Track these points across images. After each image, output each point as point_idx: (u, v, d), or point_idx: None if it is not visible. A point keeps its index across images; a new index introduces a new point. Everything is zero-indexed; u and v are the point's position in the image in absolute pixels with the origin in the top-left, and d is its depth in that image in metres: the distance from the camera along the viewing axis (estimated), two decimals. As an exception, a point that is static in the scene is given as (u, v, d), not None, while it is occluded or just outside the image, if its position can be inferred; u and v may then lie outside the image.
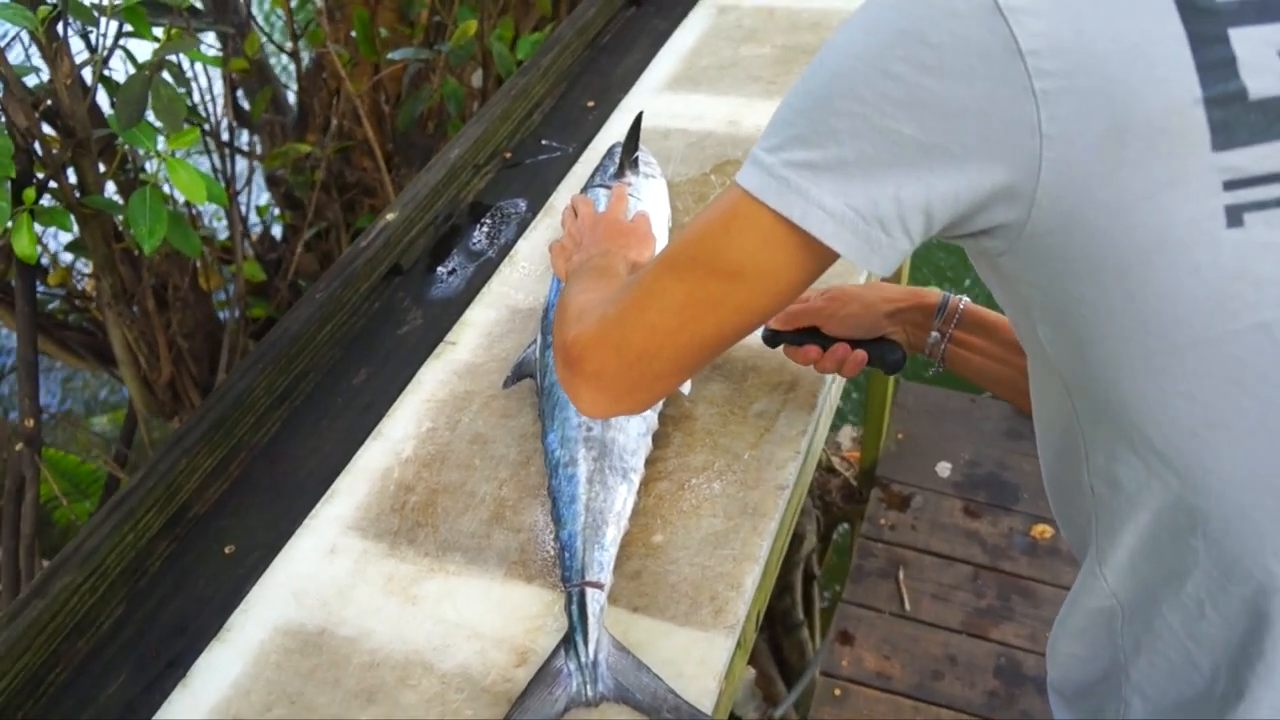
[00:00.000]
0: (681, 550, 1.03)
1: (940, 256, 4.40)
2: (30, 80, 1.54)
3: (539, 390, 1.16)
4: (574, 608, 0.95)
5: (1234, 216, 0.63)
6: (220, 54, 2.49)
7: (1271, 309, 0.64)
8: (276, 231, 3.17)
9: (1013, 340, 0.99)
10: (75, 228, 1.57)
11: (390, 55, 2.32)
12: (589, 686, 0.91)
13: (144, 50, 1.53)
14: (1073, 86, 0.63)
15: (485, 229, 1.50)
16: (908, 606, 2.45)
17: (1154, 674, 0.76)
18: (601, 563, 0.99)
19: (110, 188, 1.80)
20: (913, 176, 0.67)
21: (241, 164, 2.67)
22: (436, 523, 1.08)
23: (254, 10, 2.61)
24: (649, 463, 1.10)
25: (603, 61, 1.86)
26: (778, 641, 2.90)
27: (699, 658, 0.94)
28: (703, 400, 1.17)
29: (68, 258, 2.31)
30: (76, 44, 2.00)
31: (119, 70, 1.74)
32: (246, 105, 2.84)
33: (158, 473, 1.13)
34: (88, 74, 1.57)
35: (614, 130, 1.64)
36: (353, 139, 2.65)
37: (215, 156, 2.37)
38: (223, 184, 2.29)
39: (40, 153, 1.47)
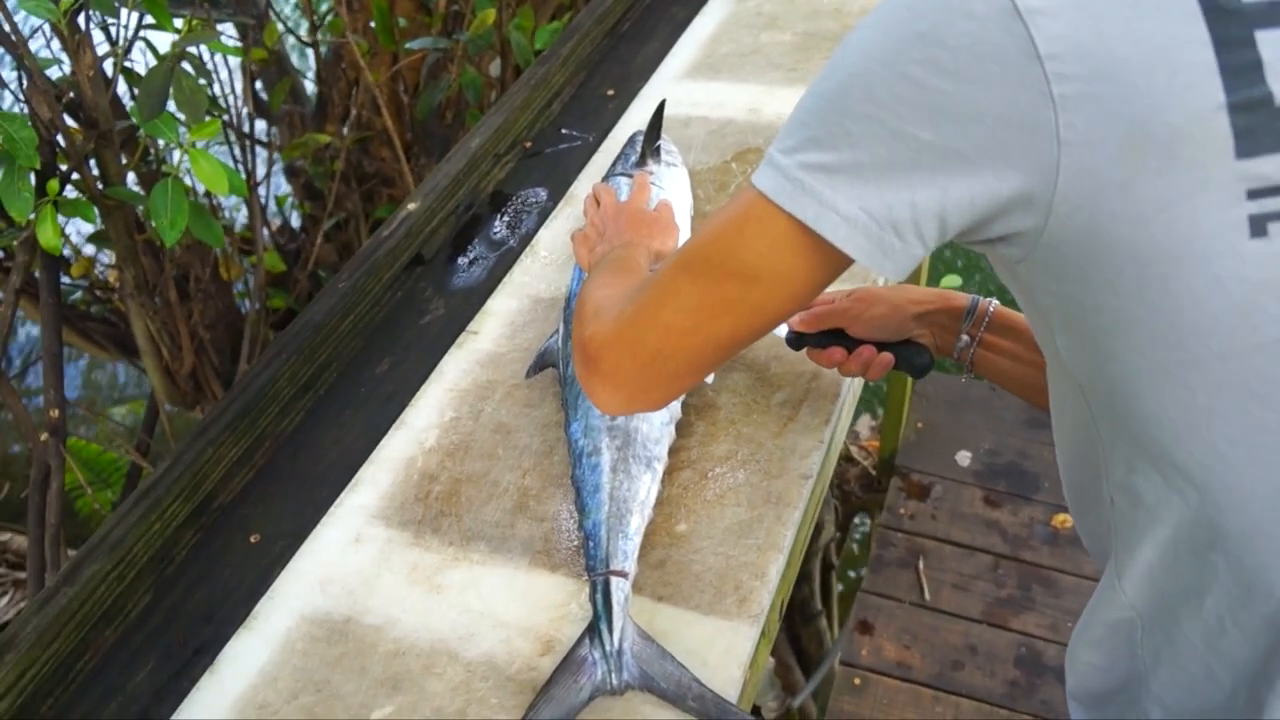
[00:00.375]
0: (705, 539, 1.02)
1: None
2: (53, 73, 1.54)
3: (561, 380, 1.16)
4: (598, 596, 0.95)
5: (1258, 226, 0.61)
6: (239, 45, 2.50)
7: None
8: (295, 222, 3.18)
9: None
10: (98, 219, 1.58)
11: (409, 45, 2.32)
12: (614, 675, 0.91)
13: (164, 42, 1.53)
14: (1092, 91, 0.61)
15: (506, 218, 1.50)
16: (928, 596, 2.44)
17: (1174, 686, 0.75)
18: (626, 551, 0.99)
19: (131, 179, 1.81)
20: (928, 181, 0.66)
21: (261, 155, 2.68)
22: (460, 512, 1.09)
23: (273, 1, 2.61)
24: (672, 452, 1.10)
25: (622, 50, 1.86)
26: (795, 631, 2.90)
27: (724, 647, 0.94)
28: (726, 389, 1.17)
29: (90, 250, 2.32)
30: (97, 36, 2.00)
31: (139, 62, 1.74)
32: (265, 97, 2.85)
33: (183, 462, 1.14)
34: (109, 66, 1.58)
35: (634, 119, 1.64)
36: (371, 129, 2.66)
37: (235, 148, 2.37)
38: (243, 175, 2.29)
39: (63, 144, 1.47)
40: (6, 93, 1.87)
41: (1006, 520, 2.59)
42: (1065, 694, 0.90)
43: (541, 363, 1.20)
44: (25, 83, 1.42)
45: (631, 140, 1.45)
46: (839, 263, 0.72)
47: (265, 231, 2.55)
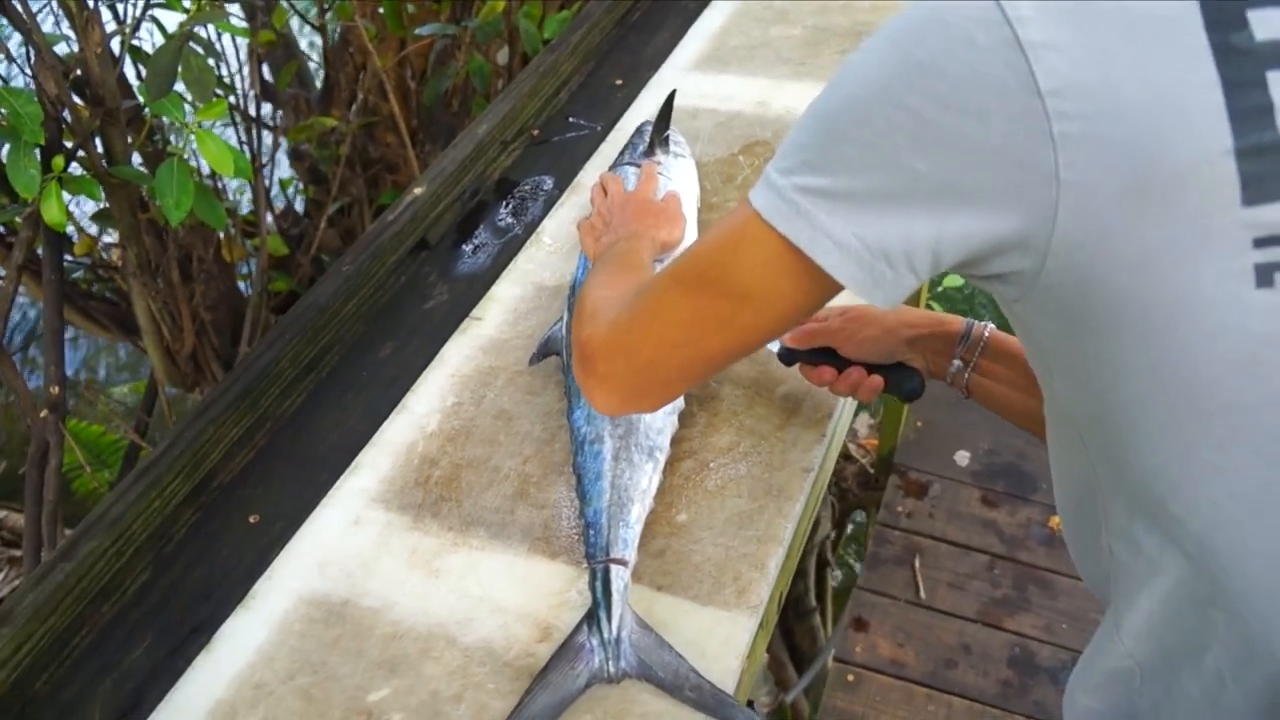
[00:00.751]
0: (706, 530, 1.02)
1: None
2: (60, 49, 1.54)
3: (564, 368, 1.16)
4: (598, 584, 0.95)
5: (1264, 276, 0.59)
6: (247, 27, 2.49)
7: None
8: (299, 206, 3.18)
9: None
10: (103, 197, 1.58)
11: (417, 30, 2.31)
12: (611, 663, 0.91)
13: (172, 21, 1.53)
14: (1094, 132, 0.59)
15: (512, 206, 1.50)
16: (923, 594, 2.44)
17: None
18: (626, 540, 0.99)
19: (136, 159, 1.81)
20: (924, 213, 0.64)
21: (266, 138, 2.68)
22: (460, 497, 1.09)
23: (281, -16, 2.60)
24: (674, 442, 1.09)
25: (631, 40, 1.85)
26: (789, 627, 2.91)
27: (722, 637, 0.94)
28: (729, 381, 1.17)
29: (93, 229, 2.31)
30: (105, 14, 2.00)
31: (146, 41, 1.74)
32: (271, 79, 2.84)
33: (184, 441, 1.13)
34: (116, 45, 1.57)
35: (642, 109, 1.64)
36: (378, 114, 2.65)
37: (240, 130, 2.37)
38: (248, 157, 2.29)
39: (69, 121, 1.47)
40: (14, 69, 1.86)
41: (1004, 520, 2.59)
42: (1060, 681, 0.89)
43: (545, 350, 1.20)
44: (33, 59, 1.42)
45: (640, 130, 1.45)
46: (830, 288, 0.70)
47: (269, 215, 2.54)
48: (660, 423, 1.07)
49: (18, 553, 2.44)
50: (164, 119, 1.66)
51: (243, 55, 2.40)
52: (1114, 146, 0.59)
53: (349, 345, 1.30)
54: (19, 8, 1.40)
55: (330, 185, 2.57)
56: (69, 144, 1.48)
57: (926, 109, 0.62)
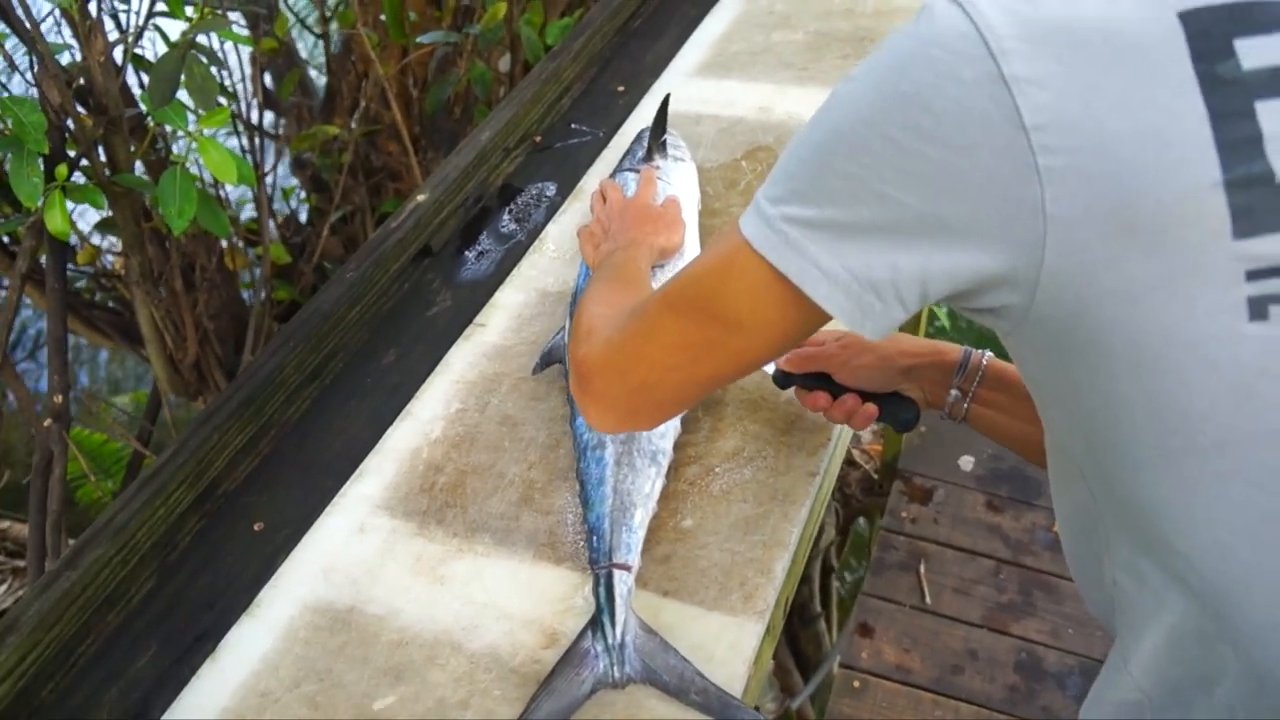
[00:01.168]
0: (711, 535, 1.02)
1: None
2: (64, 59, 1.54)
3: (567, 374, 1.15)
4: (601, 589, 0.95)
5: (1257, 309, 0.58)
6: (249, 35, 2.49)
7: None
8: (302, 215, 3.18)
9: None
10: (106, 206, 1.58)
11: (419, 38, 2.31)
12: (616, 668, 0.90)
13: (175, 30, 1.53)
14: (1079, 166, 0.58)
15: (515, 212, 1.50)
16: (928, 600, 2.43)
17: None
18: (629, 545, 0.98)
19: (138, 168, 1.81)
20: (911, 246, 0.64)
21: (268, 146, 2.68)
22: (465, 503, 1.08)
23: (283, -7, 2.61)
24: (679, 447, 1.09)
25: (633, 46, 1.86)
26: (794, 633, 2.90)
27: (729, 642, 0.93)
28: (733, 386, 1.16)
29: (96, 238, 2.32)
30: (108, 23, 2.00)
31: (149, 50, 1.74)
32: (273, 88, 2.84)
33: (188, 449, 1.13)
34: (119, 54, 1.57)
35: (644, 115, 1.64)
36: (380, 122, 2.65)
37: (243, 138, 2.37)
38: (251, 165, 2.29)
39: (73, 130, 1.47)
40: (17, 77, 1.86)
41: (1008, 525, 2.59)
42: (1066, 686, 0.88)
43: (548, 360, 1.20)
44: (36, 67, 1.42)
45: (639, 136, 1.45)
46: (819, 317, 0.70)
47: (271, 223, 2.55)
48: (663, 428, 1.07)
49: (21, 563, 2.44)
50: (167, 127, 1.66)
51: (245, 63, 2.41)
52: (1100, 181, 0.58)
53: (353, 352, 1.30)
54: (22, 17, 1.40)
55: (333, 193, 2.57)
56: (72, 153, 1.48)
57: (912, 142, 0.62)
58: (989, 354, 1.01)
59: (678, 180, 1.35)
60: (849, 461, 3.03)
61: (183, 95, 1.41)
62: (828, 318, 0.69)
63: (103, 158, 1.57)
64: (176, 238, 1.92)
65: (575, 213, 1.46)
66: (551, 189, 1.53)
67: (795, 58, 1.72)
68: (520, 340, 1.27)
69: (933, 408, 1.04)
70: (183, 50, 1.39)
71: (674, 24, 1.89)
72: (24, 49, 1.46)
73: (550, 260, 1.39)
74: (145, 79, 1.58)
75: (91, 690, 0.98)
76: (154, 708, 0.95)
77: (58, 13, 1.77)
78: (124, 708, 0.96)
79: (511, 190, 1.54)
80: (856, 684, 2.29)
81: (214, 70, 1.45)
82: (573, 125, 1.66)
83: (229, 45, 2.19)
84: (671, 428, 1.09)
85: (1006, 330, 0.68)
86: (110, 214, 1.71)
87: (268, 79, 2.83)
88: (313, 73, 3.22)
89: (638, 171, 1.35)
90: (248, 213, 3.06)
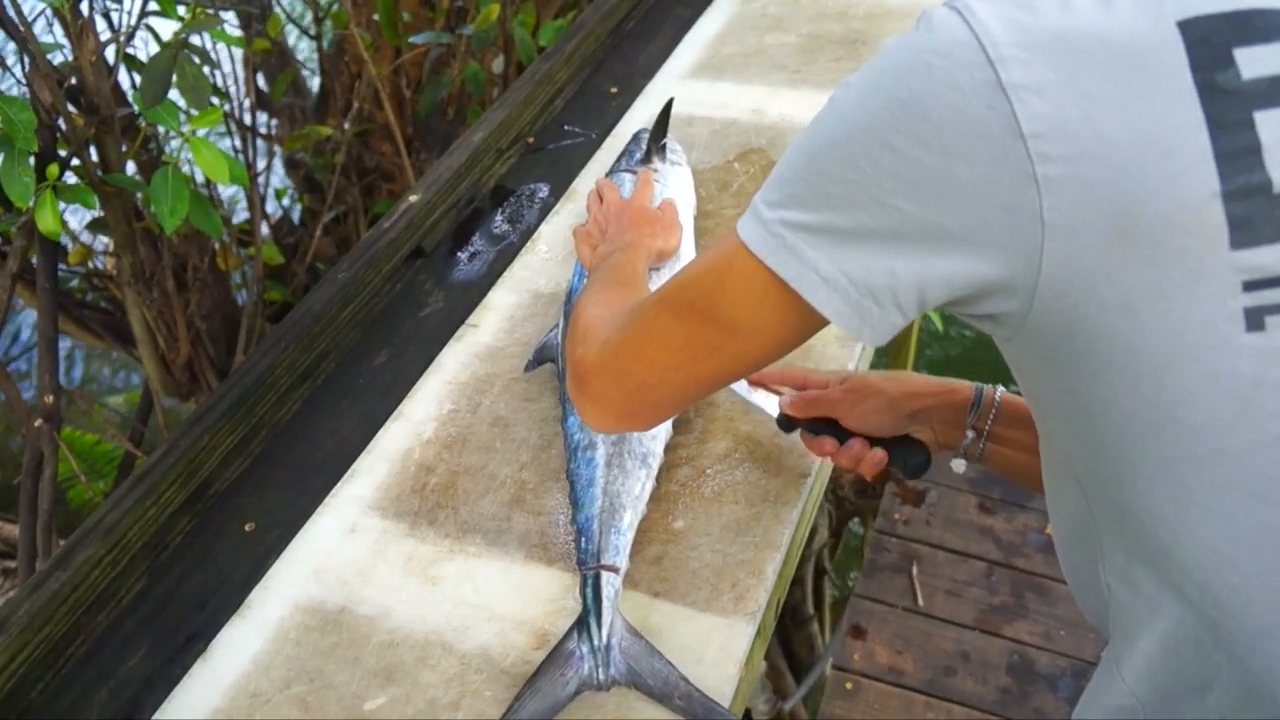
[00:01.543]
0: (703, 536, 1.02)
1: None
2: (55, 58, 1.53)
3: (560, 374, 1.15)
4: (588, 590, 0.95)
5: (1254, 320, 0.58)
6: (242, 36, 2.49)
7: None
8: (295, 215, 3.17)
9: None
10: (98, 205, 1.57)
11: (412, 39, 2.31)
12: (600, 670, 0.90)
13: (167, 30, 1.53)
14: (1078, 174, 0.58)
15: (507, 213, 1.50)
16: (921, 602, 2.44)
17: None
18: (618, 547, 0.98)
19: (130, 168, 1.80)
20: (909, 252, 0.64)
21: (261, 146, 2.67)
22: (457, 504, 1.08)
23: (276, -7, 2.60)
24: (670, 449, 1.09)
25: (626, 48, 1.86)
26: (787, 635, 2.90)
27: (720, 644, 0.93)
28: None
29: (87, 237, 2.31)
30: (100, 23, 2.00)
31: (141, 49, 1.74)
32: (266, 88, 2.84)
33: (179, 449, 1.13)
34: (111, 53, 1.57)
35: (637, 117, 1.64)
36: (373, 123, 2.65)
37: (235, 138, 2.36)
38: (243, 165, 2.28)
39: (64, 129, 1.47)
40: (9, 77, 1.86)
41: (1000, 527, 2.59)
42: (1058, 689, 0.88)
43: (540, 357, 1.20)
44: (28, 66, 1.42)
45: (636, 137, 1.45)
46: (816, 322, 0.70)
47: (264, 223, 2.54)
48: (654, 430, 1.07)
49: (12, 564, 2.43)
50: (159, 127, 1.66)
51: (238, 64, 2.40)
52: (1098, 189, 0.58)
53: (345, 353, 1.30)
54: (13, 16, 1.40)
55: (326, 194, 2.57)
56: (63, 152, 1.47)
57: (911, 150, 0.62)
58: (1001, 389, 0.99)
59: (674, 183, 1.36)
60: (842, 463, 3.03)
61: (175, 95, 1.41)
62: (825, 322, 0.69)
63: (94, 157, 1.57)
64: (168, 238, 1.91)
65: (568, 214, 1.46)
66: (544, 190, 1.53)
67: (788, 60, 1.73)
68: (512, 341, 1.27)
69: (945, 449, 1.01)
70: (175, 50, 1.39)
71: (667, 26, 1.89)
72: (15, 48, 1.45)
73: (543, 261, 1.39)
74: (137, 79, 1.57)
75: (81, 691, 0.98)
76: (144, 708, 0.95)
77: (49, 12, 1.77)
78: (114, 708, 0.96)
79: (504, 191, 1.54)
80: (849, 686, 2.29)
81: (206, 70, 1.45)
82: (565, 126, 1.67)
83: (221, 45, 2.19)
84: (663, 430, 1.09)
85: (1004, 337, 0.68)
86: (102, 214, 1.70)
87: (260, 79, 2.82)
88: (305, 73, 3.21)
89: (635, 173, 1.35)
90: (240, 213, 3.06)
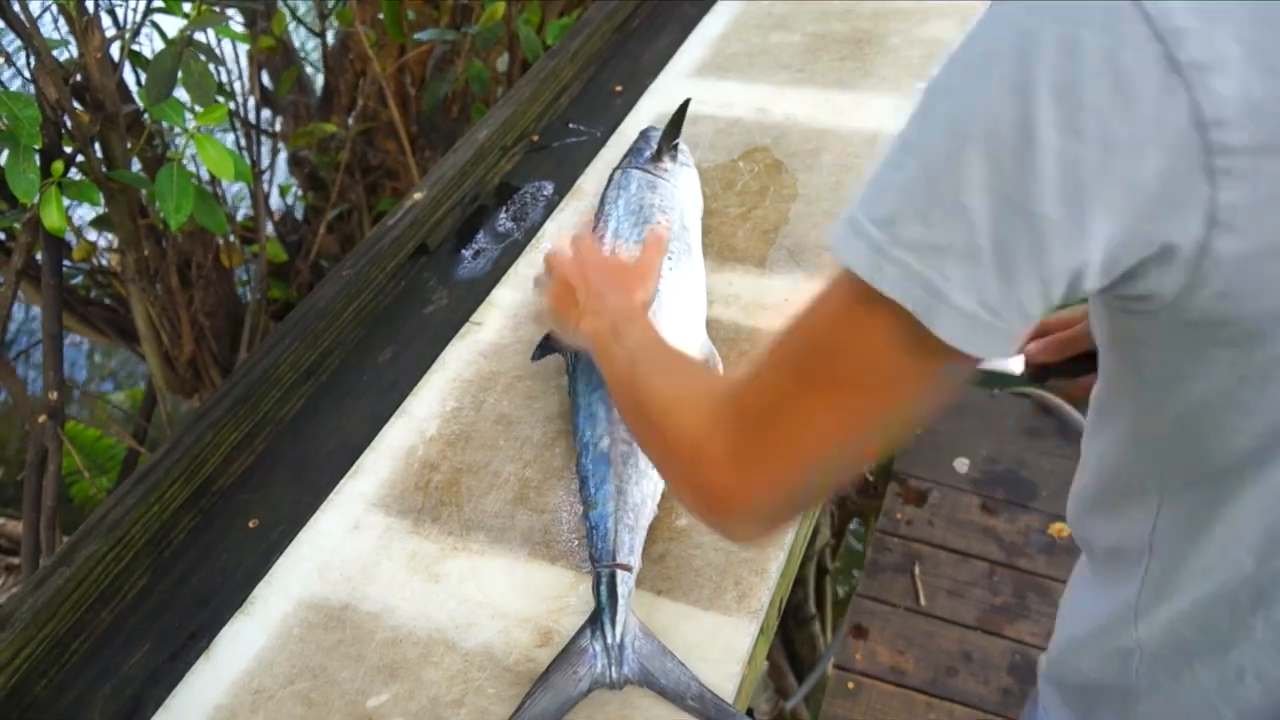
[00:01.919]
0: (706, 535, 1.02)
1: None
2: (60, 55, 1.54)
3: (569, 370, 1.15)
4: (603, 589, 0.94)
5: None
6: (246, 33, 2.49)
7: None
8: (299, 212, 3.18)
9: None
10: (102, 202, 1.58)
11: (417, 36, 2.31)
12: (614, 668, 0.90)
13: (172, 27, 1.53)
14: (1261, 169, 0.50)
15: (511, 211, 1.49)
16: (923, 602, 2.43)
17: (1169, 712, 0.72)
18: (631, 545, 0.98)
19: (135, 165, 1.81)
20: (1055, 264, 0.54)
21: (265, 144, 2.68)
22: (460, 502, 1.08)
23: (281, -10, 2.60)
24: (675, 447, 1.09)
25: (631, 46, 1.85)
26: (789, 634, 2.90)
27: (723, 643, 0.93)
28: (729, 386, 1.16)
29: (91, 234, 2.32)
30: (105, 20, 2.00)
31: (146, 46, 1.74)
32: (271, 86, 2.84)
33: (183, 445, 1.13)
34: (116, 49, 1.57)
35: (641, 115, 1.64)
36: (377, 120, 2.65)
37: (240, 135, 2.37)
38: (248, 162, 2.29)
39: (69, 126, 1.47)
40: (14, 73, 1.86)
41: (1003, 528, 2.59)
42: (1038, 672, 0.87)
43: (547, 345, 1.17)
44: (33, 63, 1.42)
45: (645, 135, 1.45)
46: (955, 354, 0.58)
47: (268, 221, 2.54)
48: (661, 427, 1.07)
49: (15, 560, 2.44)
50: (164, 124, 1.66)
51: (242, 61, 2.41)
52: None
53: (349, 350, 1.30)
54: (19, 12, 1.40)
55: (330, 191, 2.57)
56: (68, 149, 1.48)
57: (1069, 146, 0.52)
58: None
59: (683, 185, 1.35)
60: (844, 463, 3.03)
61: (180, 92, 1.41)
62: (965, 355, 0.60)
63: (99, 154, 1.57)
64: (173, 234, 1.92)
65: (572, 211, 1.46)
66: (549, 188, 1.53)
67: (793, 59, 1.73)
68: (516, 339, 1.27)
69: None
70: (180, 47, 1.39)
71: (672, 24, 1.89)
72: (20, 44, 1.45)
73: (547, 259, 1.39)
74: (142, 75, 1.58)
75: (85, 687, 0.98)
76: (147, 704, 0.95)
77: (55, 8, 1.77)
78: (117, 704, 0.96)
79: (509, 189, 1.54)
80: (851, 685, 2.29)
81: (211, 67, 1.45)
82: (570, 124, 1.66)
83: (226, 42, 2.19)
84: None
85: (1141, 314, 0.61)
86: (106, 210, 1.71)
87: (265, 76, 2.83)
88: (310, 70, 3.21)
89: (646, 170, 1.34)
90: (244, 210, 3.06)
